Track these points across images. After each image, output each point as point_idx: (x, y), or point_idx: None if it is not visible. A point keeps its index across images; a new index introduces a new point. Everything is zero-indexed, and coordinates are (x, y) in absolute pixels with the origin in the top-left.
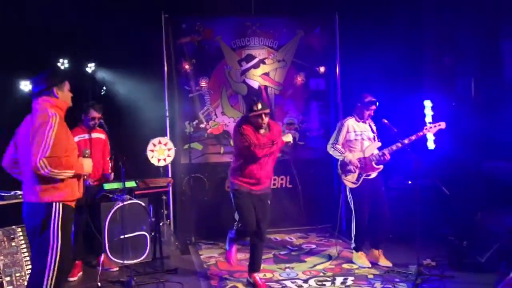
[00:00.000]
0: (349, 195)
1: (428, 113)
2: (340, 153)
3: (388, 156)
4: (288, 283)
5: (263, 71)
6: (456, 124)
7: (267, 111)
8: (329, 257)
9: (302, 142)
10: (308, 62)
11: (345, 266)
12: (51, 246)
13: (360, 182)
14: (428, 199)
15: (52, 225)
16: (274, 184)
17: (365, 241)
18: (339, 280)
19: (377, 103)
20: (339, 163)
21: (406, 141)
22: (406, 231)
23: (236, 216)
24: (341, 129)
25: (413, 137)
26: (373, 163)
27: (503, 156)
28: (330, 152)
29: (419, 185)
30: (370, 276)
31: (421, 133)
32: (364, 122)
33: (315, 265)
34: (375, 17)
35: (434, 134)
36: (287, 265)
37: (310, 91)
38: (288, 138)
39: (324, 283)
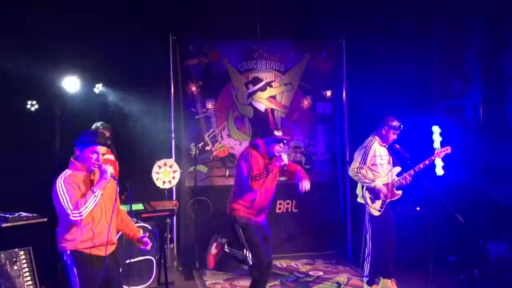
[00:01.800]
0: (368, 224)
1: (437, 139)
2: (369, 180)
3: (409, 180)
4: None
5: (269, 94)
6: (464, 150)
7: (288, 138)
8: (338, 285)
9: (308, 166)
10: (315, 85)
11: None
12: None
13: (383, 209)
14: (436, 226)
15: (69, 274)
16: (279, 209)
17: (378, 273)
18: None
19: (402, 126)
20: (365, 189)
21: (421, 165)
22: (414, 258)
23: (247, 254)
24: (368, 152)
25: (427, 162)
26: (394, 188)
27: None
28: (355, 177)
29: (429, 212)
30: None
31: (432, 158)
32: (386, 146)
33: None
34: (382, 42)
35: (442, 160)
36: None
37: (317, 115)
38: (285, 158)
39: None
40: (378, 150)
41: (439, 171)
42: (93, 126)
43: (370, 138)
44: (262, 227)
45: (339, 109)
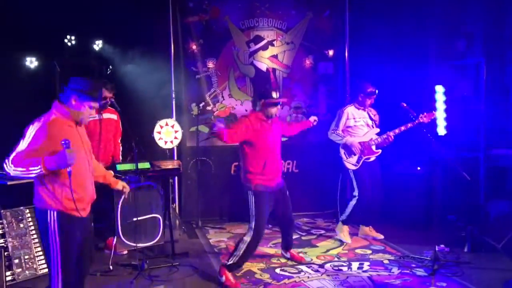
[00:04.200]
0: (352, 176)
1: (440, 98)
2: (340, 137)
3: (391, 138)
4: (303, 267)
5: (271, 53)
6: (466, 109)
7: (285, 100)
8: (341, 242)
9: None
10: (317, 45)
11: (358, 251)
12: (52, 256)
13: (360, 164)
14: (434, 186)
15: (50, 233)
16: None
17: (355, 218)
18: (355, 265)
19: (377, 91)
20: (341, 146)
21: (397, 130)
22: (414, 216)
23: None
24: (341, 116)
25: (410, 125)
26: (373, 147)
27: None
28: (331, 138)
29: (430, 171)
30: (386, 262)
31: (416, 122)
32: (364, 109)
33: (328, 250)
34: (386, 2)
35: (445, 119)
36: (300, 250)
37: (318, 74)
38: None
39: (340, 268)
40: (352, 114)
41: (441, 131)
42: None
43: (348, 104)
44: (278, 190)
45: (341, 68)
